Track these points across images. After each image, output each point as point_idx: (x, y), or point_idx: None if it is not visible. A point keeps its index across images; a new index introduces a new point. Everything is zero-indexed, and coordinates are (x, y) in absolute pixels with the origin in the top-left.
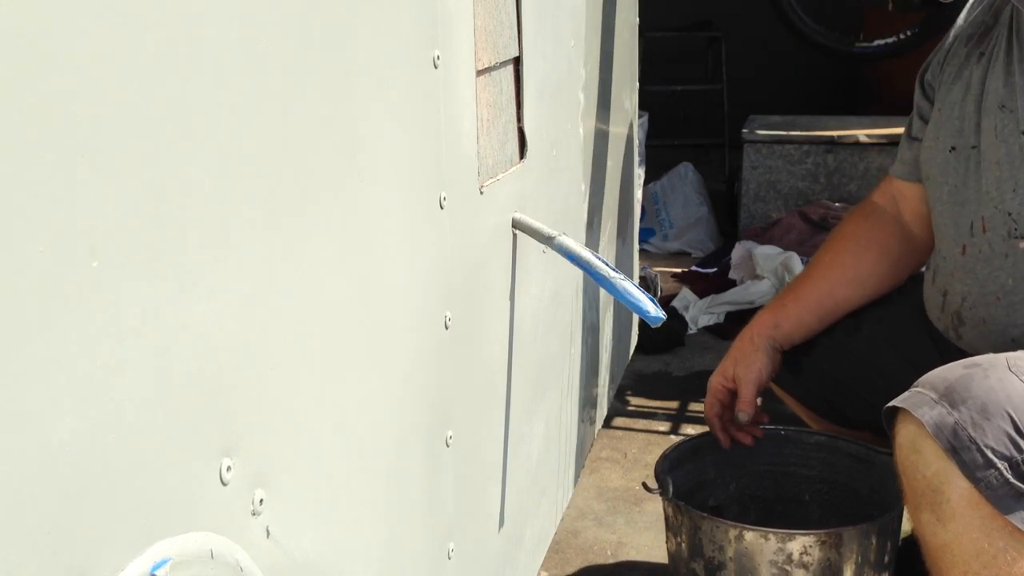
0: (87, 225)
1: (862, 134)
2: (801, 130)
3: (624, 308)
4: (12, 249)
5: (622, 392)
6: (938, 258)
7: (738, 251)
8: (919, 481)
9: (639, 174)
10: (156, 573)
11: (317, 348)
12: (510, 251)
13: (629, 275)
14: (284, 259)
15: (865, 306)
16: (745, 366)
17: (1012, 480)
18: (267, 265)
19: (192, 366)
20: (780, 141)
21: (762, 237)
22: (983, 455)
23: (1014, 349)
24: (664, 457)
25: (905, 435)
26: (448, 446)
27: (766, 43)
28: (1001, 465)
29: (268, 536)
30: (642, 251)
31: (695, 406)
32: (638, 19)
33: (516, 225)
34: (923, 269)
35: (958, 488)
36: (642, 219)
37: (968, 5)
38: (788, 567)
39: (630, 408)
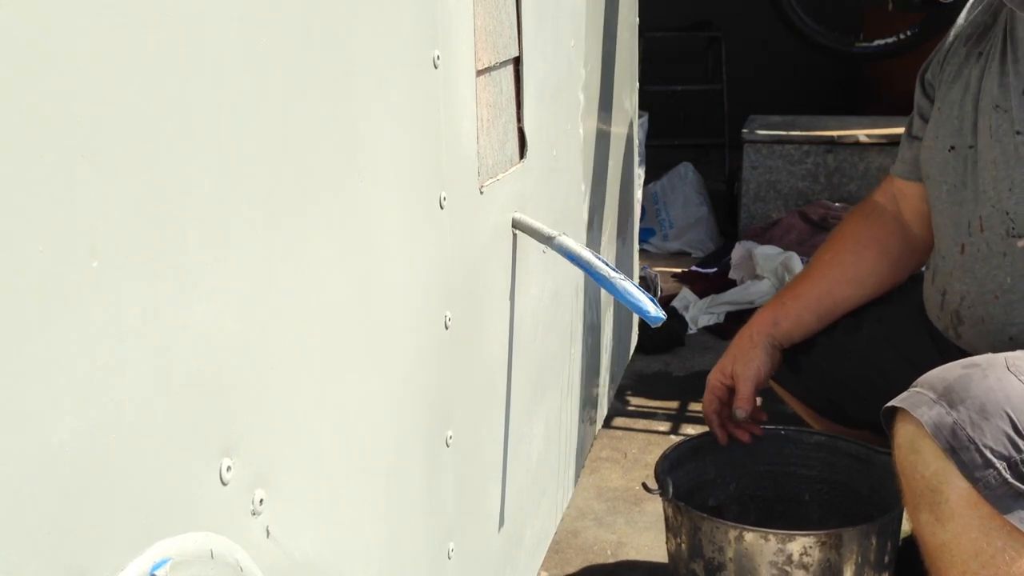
0: (87, 225)
1: (862, 134)
2: (801, 130)
3: (624, 308)
4: (12, 249)
5: (622, 392)
6: (937, 257)
7: (738, 251)
8: (918, 481)
9: (639, 174)
10: (156, 573)
11: (317, 348)
12: (510, 251)
13: (629, 275)
14: (284, 259)
15: (865, 305)
16: (744, 363)
17: (1011, 480)
18: (267, 265)
19: (192, 366)
20: (780, 141)
21: (762, 237)
22: (982, 455)
23: (1012, 347)
24: (664, 457)
25: (904, 435)
26: (448, 446)
27: (766, 43)
28: (1000, 465)
29: (268, 536)
30: (642, 251)
31: (695, 406)
32: (638, 19)
33: (516, 225)
34: (923, 269)
35: (957, 488)
36: (642, 219)
37: (968, 5)
38: (788, 568)
39: (630, 408)
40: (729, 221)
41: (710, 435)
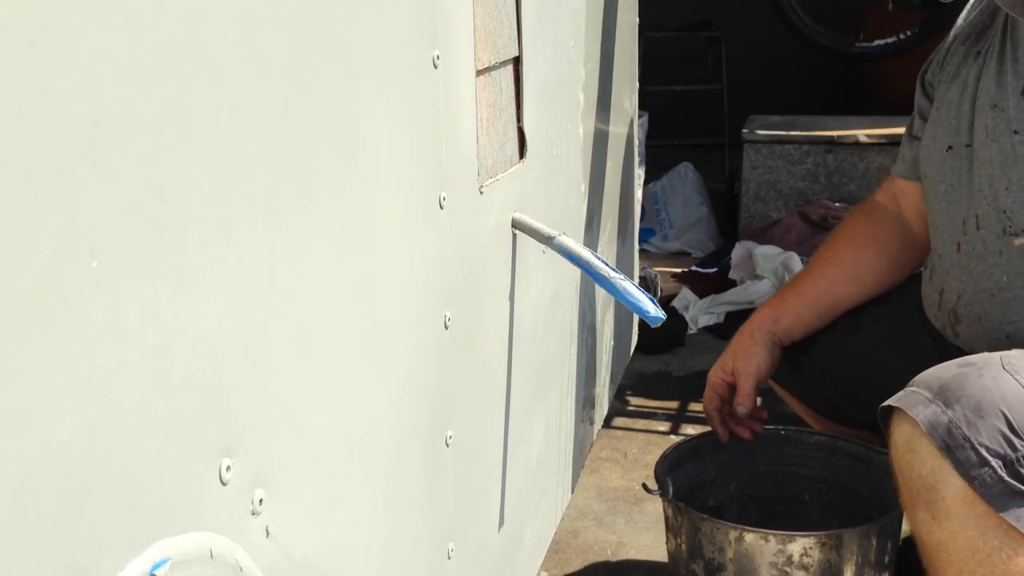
0: (87, 225)
1: (862, 134)
2: (801, 130)
3: (624, 308)
4: (12, 249)
5: (622, 392)
6: (935, 256)
7: (738, 251)
8: (914, 480)
9: (639, 174)
10: (156, 573)
11: (317, 348)
12: (510, 251)
13: (629, 275)
14: (284, 259)
15: (865, 305)
16: (744, 360)
17: (1006, 478)
18: (267, 265)
19: (192, 366)
20: (780, 141)
21: (762, 237)
22: (977, 453)
23: (1009, 345)
24: (664, 457)
25: (900, 434)
26: (448, 446)
27: (766, 43)
28: (995, 463)
29: (268, 536)
30: (642, 251)
31: (695, 406)
32: (638, 19)
33: (516, 225)
34: (922, 269)
35: (953, 486)
36: (642, 219)
37: (968, 5)
38: (788, 568)
39: (630, 408)
40: (729, 221)
41: (710, 435)
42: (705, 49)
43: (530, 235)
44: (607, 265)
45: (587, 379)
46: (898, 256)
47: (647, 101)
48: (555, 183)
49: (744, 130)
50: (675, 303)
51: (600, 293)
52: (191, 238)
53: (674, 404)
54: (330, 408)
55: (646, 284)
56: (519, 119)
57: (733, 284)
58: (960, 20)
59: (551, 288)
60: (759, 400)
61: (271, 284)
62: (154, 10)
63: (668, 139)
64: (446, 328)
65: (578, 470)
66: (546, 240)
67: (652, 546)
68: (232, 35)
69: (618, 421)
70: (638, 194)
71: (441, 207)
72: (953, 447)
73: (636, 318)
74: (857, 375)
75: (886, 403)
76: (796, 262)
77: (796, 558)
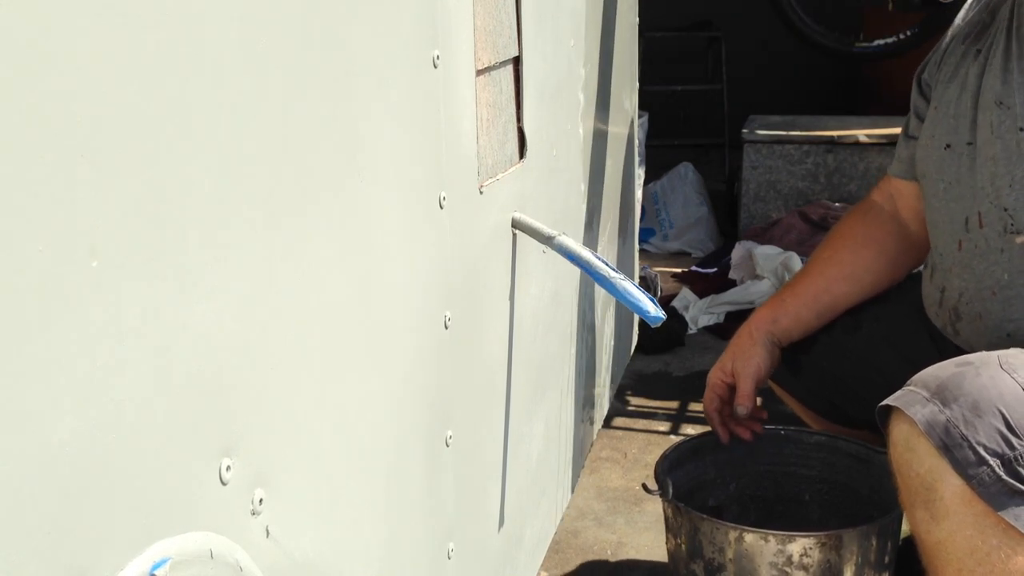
0: (87, 225)
1: (862, 134)
2: (801, 130)
3: (624, 308)
4: (12, 249)
5: (622, 392)
6: (935, 255)
7: (738, 251)
8: (913, 479)
9: (639, 174)
10: (156, 573)
11: (317, 348)
12: (510, 251)
13: (629, 275)
14: (284, 259)
15: (864, 304)
16: (744, 360)
17: (1004, 477)
18: (267, 265)
19: (192, 366)
20: (780, 141)
21: (762, 237)
22: (975, 452)
23: (1010, 344)
24: (664, 458)
25: (898, 433)
26: (448, 446)
27: (766, 43)
28: (993, 462)
29: (268, 536)
30: (642, 251)
31: (695, 406)
32: (638, 19)
33: (516, 225)
34: (921, 268)
35: (951, 485)
36: (642, 219)
37: (967, 4)
38: (788, 569)
39: (630, 408)
40: (729, 221)
41: (710, 435)
42: (705, 49)
43: (530, 235)
44: (607, 265)
45: (587, 379)
46: (896, 255)
47: (647, 101)
48: (555, 183)
49: (744, 130)
50: (675, 303)
51: (600, 293)
52: (191, 238)
53: (674, 404)
54: (330, 408)
55: (646, 284)
56: (519, 119)
57: (733, 284)
58: (958, 19)
59: (551, 288)
60: (759, 400)
61: (271, 284)
62: (154, 10)
63: (668, 139)
64: (446, 328)
65: (578, 470)
66: (546, 240)
67: (652, 546)
68: (232, 35)
69: (618, 421)
70: (638, 194)
71: (441, 207)
72: (951, 446)
73: (636, 318)
74: (856, 375)
75: (884, 402)
76: (796, 262)
77: (796, 558)
